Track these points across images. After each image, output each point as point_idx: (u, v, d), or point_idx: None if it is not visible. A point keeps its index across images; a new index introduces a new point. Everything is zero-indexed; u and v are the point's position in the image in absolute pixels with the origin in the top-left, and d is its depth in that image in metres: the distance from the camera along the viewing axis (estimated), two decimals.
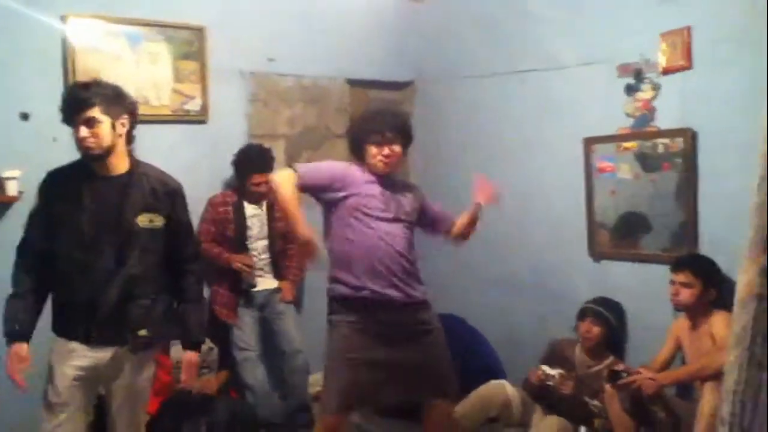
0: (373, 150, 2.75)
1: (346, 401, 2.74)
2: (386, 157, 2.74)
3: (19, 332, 2.34)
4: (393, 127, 2.76)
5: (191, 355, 2.60)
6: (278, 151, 4.12)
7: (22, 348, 2.33)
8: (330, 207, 2.76)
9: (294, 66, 4.19)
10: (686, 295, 2.96)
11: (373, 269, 2.66)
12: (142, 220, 2.36)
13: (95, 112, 2.27)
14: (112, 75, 3.45)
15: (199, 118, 3.85)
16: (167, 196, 2.44)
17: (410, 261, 2.75)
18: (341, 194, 2.71)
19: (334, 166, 2.83)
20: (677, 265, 3.02)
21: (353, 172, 2.77)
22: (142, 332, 2.39)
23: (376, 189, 2.74)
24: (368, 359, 2.67)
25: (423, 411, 2.90)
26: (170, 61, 3.73)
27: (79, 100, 2.30)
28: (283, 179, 2.71)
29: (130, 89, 3.51)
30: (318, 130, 4.35)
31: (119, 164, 2.38)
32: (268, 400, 3.79)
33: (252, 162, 3.75)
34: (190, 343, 2.59)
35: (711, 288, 2.94)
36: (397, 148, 2.77)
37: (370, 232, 2.67)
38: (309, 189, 2.76)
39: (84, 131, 2.27)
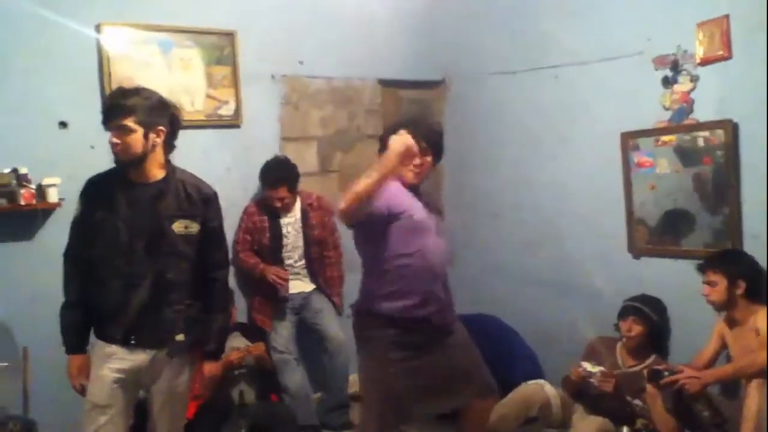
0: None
1: (387, 424, 2.67)
2: (417, 167, 2.70)
3: (77, 344, 2.40)
4: (429, 138, 2.72)
5: (210, 366, 2.58)
6: (310, 153, 4.14)
7: (81, 359, 2.40)
8: (377, 228, 2.58)
9: (324, 68, 4.20)
10: (714, 293, 2.94)
11: (429, 289, 2.60)
12: (178, 227, 2.38)
13: (129, 121, 2.30)
14: (145, 82, 3.50)
15: (233, 122, 3.89)
16: (202, 202, 2.45)
17: (446, 278, 2.73)
18: (394, 213, 2.57)
19: (387, 194, 2.58)
20: (703, 266, 3.00)
21: (394, 188, 2.62)
22: (179, 337, 2.40)
23: (417, 203, 2.67)
24: (407, 384, 2.60)
25: (463, 413, 2.87)
26: (202, 66, 3.77)
27: (115, 106, 2.33)
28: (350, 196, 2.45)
29: (163, 95, 3.61)
30: (350, 132, 4.36)
31: (155, 171, 2.40)
32: (306, 402, 3.81)
33: (264, 176, 3.80)
34: (208, 352, 2.55)
35: (738, 281, 2.88)
36: (429, 159, 2.73)
37: (425, 254, 2.58)
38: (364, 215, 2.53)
39: (114, 138, 2.31)
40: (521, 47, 4.11)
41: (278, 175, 3.77)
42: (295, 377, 3.80)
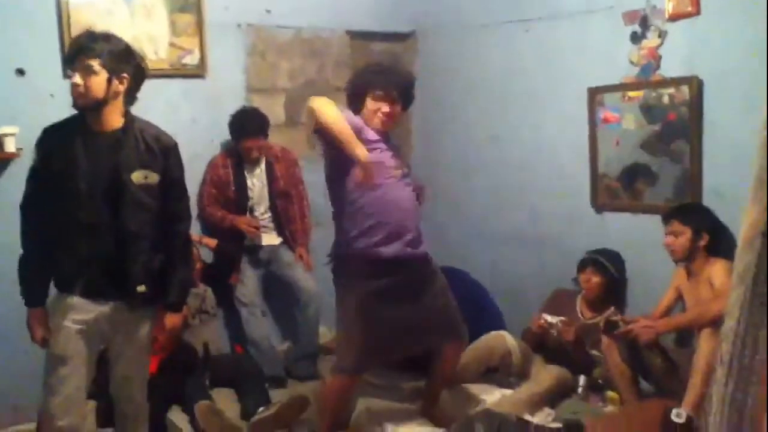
0: (373, 105, 2.70)
1: (365, 362, 2.77)
2: (386, 114, 2.69)
3: (37, 297, 2.37)
4: (398, 86, 2.71)
5: (171, 318, 2.54)
6: (278, 105, 4.08)
7: (41, 312, 2.36)
8: (342, 162, 2.63)
9: (292, 18, 4.11)
10: (677, 244, 3.00)
11: (397, 229, 2.66)
12: (137, 177, 2.34)
13: (94, 62, 2.24)
14: (107, 29, 3.42)
15: (197, 72, 3.80)
16: (162, 152, 2.41)
17: (419, 215, 2.78)
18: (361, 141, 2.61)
19: (349, 113, 2.71)
20: (667, 216, 3.06)
21: (362, 124, 2.69)
22: (140, 288, 2.38)
23: (384, 146, 2.71)
24: (385, 318, 2.69)
25: (435, 355, 2.97)
26: (166, 14, 3.66)
27: (82, 47, 2.27)
28: (324, 103, 2.59)
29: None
30: (319, 84, 4.29)
31: (114, 120, 2.34)
32: (272, 353, 3.84)
33: (243, 126, 3.73)
34: (169, 303, 2.51)
35: (702, 233, 2.96)
36: (398, 108, 2.72)
37: (391, 191, 2.66)
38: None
39: (78, 78, 2.25)
40: (492, 0, 4.06)
41: (257, 124, 3.72)
42: (260, 330, 3.82)
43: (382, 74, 2.76)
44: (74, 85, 2.26)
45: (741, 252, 0.93)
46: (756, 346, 0.90)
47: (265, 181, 3.83)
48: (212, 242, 3.77)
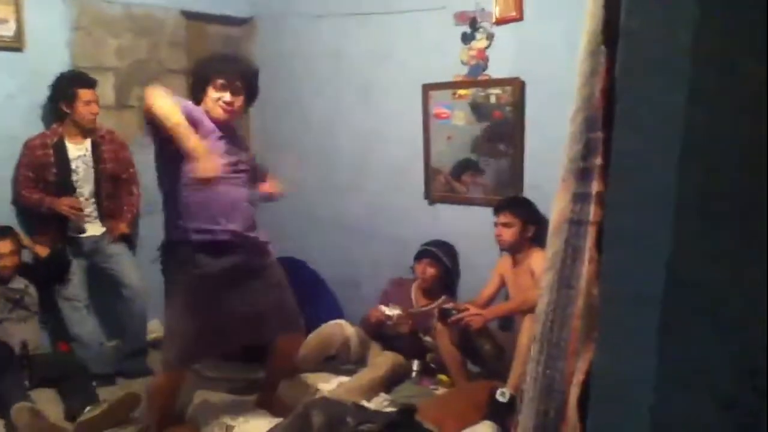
0: (215, 94, 2.63)
1: (191, 354, 2.69)
2: (227, 104, 2.63)
3: None
4: (242, 76, 2.65)
5: None
6: (106, 85, 3.83)
7: None
8: (170, 147, 2.50)
9: None
10: (508, 234, 3.19)
11: (222, 217, 2.60)
12: None
13: None
14: None
15: (14, 44, 3.48)
16: None
17: (250, 207, 2.72)
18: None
19: (186, 103, 2.60)
20: (498, 208, 3.24)
21: (200, 115, 2.61)
22: None
23: (218, 135, 2.63)
24: (210, 308, 2.62)
25: (271, 347, 2.94)
26: None
27: None
28: (159, 95, 2.46)
29: None
30: (150, 64, 4.08)
31: None
32: (98, 350, 3.63)
33: (76, 78, 3.49)
34: None
35: (529, 225, 3.18)
36: (240, 99, 2.66)
37: (221, 183, 2.53)
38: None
39: None
40: None
41: (88, 77, 3.51)
42: (85, 325, 3.60)
43: (225, 62, 2.70)
44: None
45: (551, 239, 1.01)
46: (564, 325, 0.98)
47: (91, 163, 3.56)
48: (44, 251, 3.48)
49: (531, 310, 2.89)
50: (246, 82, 2.68)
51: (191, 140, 2.41)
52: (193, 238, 2.58)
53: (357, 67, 3.99)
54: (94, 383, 3.33)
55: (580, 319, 0.91)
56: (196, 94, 2.69)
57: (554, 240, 1.00)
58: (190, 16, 4.23)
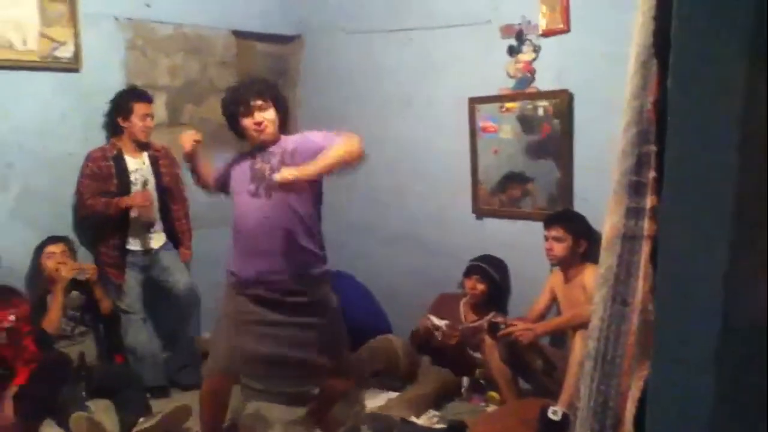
0: (245, 121, 2.69)
1: (227, 364, 2.71)
2: (258, 125, 2.67)
3: None
4: (258, 94, 2.70)
5: None
6: (159, 103, 3.93)
7: None
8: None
9: (173, 13, 3.98)
10: (559, 249, 3.12)
11: (254, 252, 2.63)
12: None
13: None
14: None
15: (71, 65, 3.60)
16: None
17: (290, 234, 2.61)
18: (228, 187, 2.77)
19: (221, 165, 2.84)
20: (549, 222, 3.18)
21: (234, 160, 2.79)
22: None
23: (246, 168, 2.70)
24: (250, 326, 2.65)
25: (321, 388, 2.97)
26: (35, 1, 3.43)
27: None
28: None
29: None
30: (201, 83, 4.19)
31: None
32: (153, 362, 3.69)
33: (133, 93, 3.63)
34: None
35: (581, 240, 3.11)
36: (268, 115, 2.69)
37: (249, 213, 2.64)
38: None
39: None
40: (377, 7, 4.12)
41: (145, 92, 3.65)
42: (141, 337, 3.67)
43: (239, 91, 2.74)
44: None
45: (603, 253, 1.00)
46: (618, 341, 0.96)
47: (149, 176, 3.67)
48: (107, 309, 3.56)
49: (582, 326, 2.85)
50: (266, 97, 2.71)
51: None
52: (238, 275, 2.67)
53: (402, 82, 4.02)
54: (148, 395, 3.40)
55: (636, 335, 0.89)
56: (236, 132, 2.77)
57: (607, 255, 0.99)
58: (239, 35, 4.32)
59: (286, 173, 2.36)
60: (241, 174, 2.70)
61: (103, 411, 3.19)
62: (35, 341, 3.21)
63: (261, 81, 2.84)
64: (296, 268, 2.62)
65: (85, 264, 3.51)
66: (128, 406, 3.19)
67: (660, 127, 0.94)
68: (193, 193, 3.83)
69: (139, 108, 3.59)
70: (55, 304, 3.33)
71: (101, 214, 3.54)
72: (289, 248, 2.61)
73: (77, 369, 3.32)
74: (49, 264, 3.39)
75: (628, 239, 0.96)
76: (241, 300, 2.67)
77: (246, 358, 2.68)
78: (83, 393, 3.26)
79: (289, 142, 2.73)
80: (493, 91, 3.55)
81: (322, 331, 2.70)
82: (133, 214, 3.56)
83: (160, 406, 3.27)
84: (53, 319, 3.31)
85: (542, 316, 3.29)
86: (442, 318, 3.50)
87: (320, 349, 2.69)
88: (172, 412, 3.09)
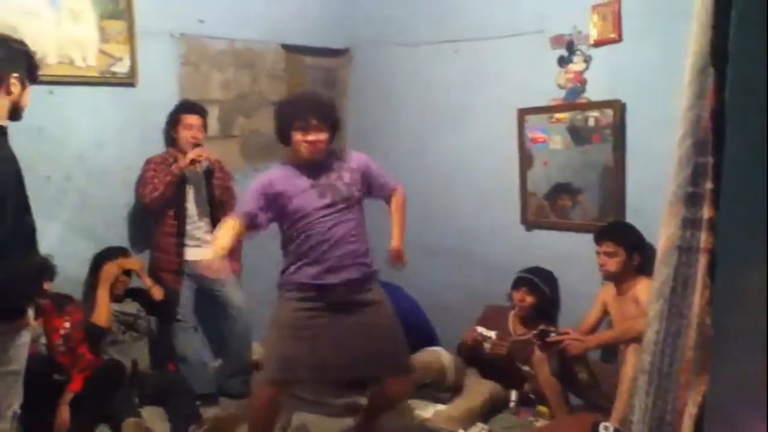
0: (297, 136, 2.73)
1: (285, 374, 2.74)
2: (311, 143, 2.73)
3: None
4: (318, 115, 2.74)
5: None
6: (211, 116, 4.01)
7: None
8: (280, 219, 2.79)
9: (225, 29, 4.06)
10: (612, 263, 3.06)
11: (327, 262, 2.71)
12: None
13: None
14: (31, 32, 3.30)
15: (127, 80, 3.71)
16: None
17: (357, 242, 2.79)
18: (280, 204, 2.75)
19: (259, 185, 2.81)
20: (600, 236, 3.12)
21: (277, 176, 2.80)
22: None
23: (305, 183, 2.75)
24: (313, 335, 2.70)
25: (377, 386, 2.96)
26: (95, 19, 3.56)
27: None
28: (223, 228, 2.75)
29: (52, 48, 3.40)
30: (252, 97, 4.26)
31: None
32: (203, 371, 3.76)
33: (183, 105, 3.77)
34: None
35: (634, 254, 3.04)
36: (322, 136, 2.75)
37: (317, 228, 2.70)
38: (253, 218, 2.76)
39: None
40: (425, 20, 4.13)
41: (194, 104, 3.77)
42: (192, 345, 3.74)
43: (300, 106, 2.79)
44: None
45: (659, 266, 0.98)
46: (674, 355, 0.94)
47: (203, 189, 3.74)
48: (159, 293, 3.62)
49: (635, 340, 2.80)
50: (325, 119, 2.76)
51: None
52: (301, 284, 2.73)
53: (450, 94, 4.01)
54: (198, 402, 3.45)
55: (693, 350, 0.87)
56: (283, 139, 2.82)
57: (663, 268, 0.97)
58: (288, 48, 4.39)
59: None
60: (298, 189, 2.74)
61: (154, 418, 3.26)
62: (88, 340, 3.29)
63: (323, 103, 2.88)
64: (365, 271, 2.80)
65: (131, 259, 3.59)
66: (179, 413, 3.25)
67: (717, 138, 0.92)
68: None
69: (185, 119, 3.70)
70: (102, 298, 3.36)
71: (168, 187, 3.57)
72: (359, 252, 2.78)
73: (130, 376, 3.40)
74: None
75: (684, 251, 0.94)
76: (303, 308, 2.71)
77: (308, 365, 2.72)
78: (136, 399, 3.34)
79: (347, 157, 2.87)
80: (542, 102, 3.52)
81: (386, 329, 2.82)
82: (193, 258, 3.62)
83: (210, 414, 3.31)
84: (102, 312, 3.34)
85: (593, 330, 3.23)
86: (490, 329, 3.47)
87: (385, 345, 2.80)
88: (221, 420, 3.14)
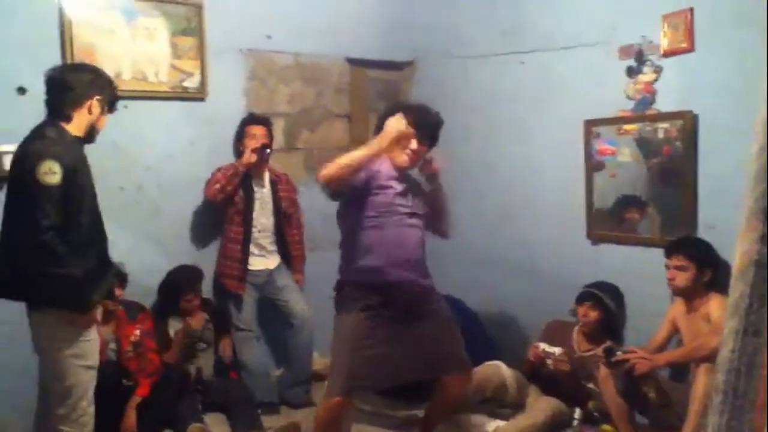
0: (403, 141, 2.76)
1: (351, 384, 2.75)
2: (414, 152, 2.77)
3: None
4: (429, 127, 2.79)
5: None
6: (277, 129, 4.10)
7: None
8: (355, 199, 2.76)
9: (292, 43, 4.15)
10: (682, 278, 2.96)
11: (396, 259, 2.73)
12: None
13: None
14: (108, 50, 3.46)
15: (198, 95, 3.83)
16: None
17: (423, 252, 2.85)
18: (371, 186, 2.76)
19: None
20: (670, 249, 3.02)
21: (379, 166, 2.80)
22: None
23: (399, 186, 2.80)
24: (375, 342, 2.71)
25: (438, 386, 2.96)
26: (167, 36, 3.69)
27: None
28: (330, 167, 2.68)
29: (127, 65, 3.54)
30: (316, 110, 4.33)
31: None
32: (265, 379, 3.81)
33: (249, 117, 3.86)
34: None
35: (706, 269, 2.94)
36: (424, 148, 2.79)
37: (393, 228, 2.74)
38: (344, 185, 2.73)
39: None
40: (490, 32, 4.12)
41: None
42: (254, 354, 3.80)
43: (415, 113, 2.81)
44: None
45: (734, 282, 0.94)
46: (750, 375, 0.90)
47: (267, 199, 3.80)
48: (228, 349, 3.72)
49: (706, 359, 2.69)
50: (432, 132, 2.80)
51: (371, 148, 2.65)
52: (365, 277, 2.74)
53: (517, 106, 3.98)
54: (259, 411, 3.51)
55: None
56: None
57: (738, 284, 0.93)
58: (353, 62, 4.44)
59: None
60: (386, 186, 2.77)
61: (217, 424, 3.32)
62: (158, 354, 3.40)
63: (435, 116, 2.90)
64: (427, 275, 2.87)
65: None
66: (240, 421, 3.31)
67: None
68: (308, 216, 3.97)
69: (250, 129, 3.78)
70: (177, 345, 3.53)
71: (233, 177, 3.62)
72: (423, 258, 2.85)
73: (194, 383, 3.49)
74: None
75: (762, 267, 0.90)
76: (366, 316, 2.72)
77: (375, 374, 2.74)
78: (199, 406, 3.41)
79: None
80: (610, 113, 3.45)
81: (445, 327, 2.86)
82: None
83: (271, 422, 3.35)
84: (173, 354, 3.50)
85: (662, 348, 3.13)
86: (553, 345, 3.41)
87: (446, 343, 2.83)
88: (281, 429, 3.17)
